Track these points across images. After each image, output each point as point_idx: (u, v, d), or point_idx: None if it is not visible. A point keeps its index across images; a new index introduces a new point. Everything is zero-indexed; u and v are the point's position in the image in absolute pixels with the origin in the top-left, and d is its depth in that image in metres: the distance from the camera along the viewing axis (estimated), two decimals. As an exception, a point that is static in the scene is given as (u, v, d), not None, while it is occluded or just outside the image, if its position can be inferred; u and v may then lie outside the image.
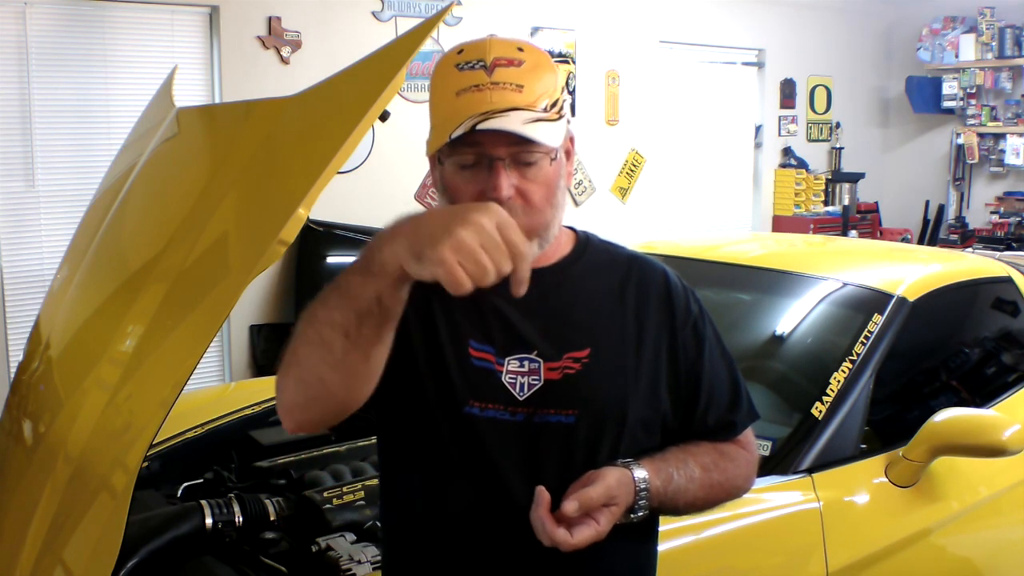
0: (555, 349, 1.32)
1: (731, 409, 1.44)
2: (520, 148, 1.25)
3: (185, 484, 2.35)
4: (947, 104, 7.59)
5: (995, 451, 2.17)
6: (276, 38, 4.86)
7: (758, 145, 7.34)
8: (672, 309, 1.40)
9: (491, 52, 1.27)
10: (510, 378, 1.31)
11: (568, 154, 1.36)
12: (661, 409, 1.38)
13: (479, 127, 1.21)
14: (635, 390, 1.35)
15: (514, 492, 1.30)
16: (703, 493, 1.37)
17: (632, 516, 1.29)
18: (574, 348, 1.33)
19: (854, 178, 7.48)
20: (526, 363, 1.31)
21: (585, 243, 1.43)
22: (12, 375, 2.26)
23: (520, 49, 1.29)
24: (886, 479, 2.23)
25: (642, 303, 1.38)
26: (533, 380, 1.31)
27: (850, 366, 2.34)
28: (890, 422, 2.51)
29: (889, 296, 2.54)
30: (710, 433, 1.43)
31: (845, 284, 2.69)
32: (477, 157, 1.26)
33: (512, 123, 1.22)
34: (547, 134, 1.25)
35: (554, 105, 1.28)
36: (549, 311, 1.35)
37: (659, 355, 1.38)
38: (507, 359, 1.31)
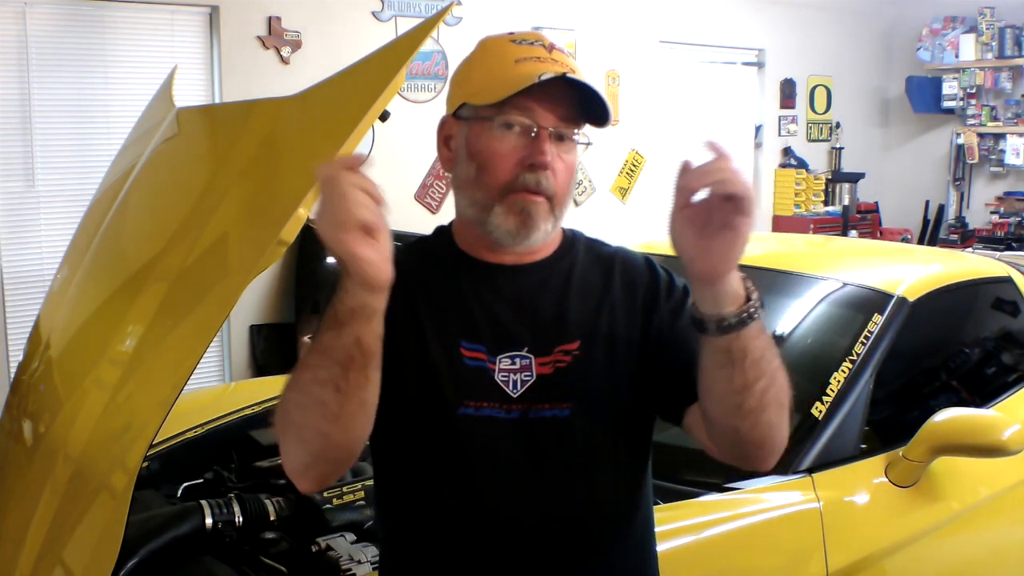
0: (545, 343, 1.32)
1: None
2: (566, 124, 1.32)
3: (185, 484, 2.35)
4: (947, 104, 7.59)
5: (995, 451, 2.17)
6: (276, 38, 4.86)
7: (758, 145, 7.34)
8: (656, 287, 1.40)
9: (547, 39, 1.36)
10: (503, 376, 1.31)
11: None
12: (655, 391, 1.36)
13: (568, 76, 1.29)
14: (628, 378, 1.35)
15: (512, 489, 1.30)
16: (774, 367, 1.24)
17: (753, 307, 1.15)
18: (564, 341, 1.33)
19: (854, 178, 7.48)
20: (517, 360, 1.31)
21: (572, 240, 1.44)
22: (12, 375, 2.26)
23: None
24: (886, 479, 2.22)
25: (628, 291, 1.39)
26: (525, 376, 1.31)
27: (850, 366, 2.34)
28: (890, 422, 2.50)
29: (889, 296, 2.54)
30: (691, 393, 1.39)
31: (845, 284, 2.69)
32: (525, 123, 1.29)
33: (585, 84, 1.30)
34: (602, 109, 1.33)
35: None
36: (538, 306, 1.35)
37: (647, 335, 1.37)
38: (499, 357, 1.31)
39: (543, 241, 1.34)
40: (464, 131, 1.33)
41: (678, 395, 1.34)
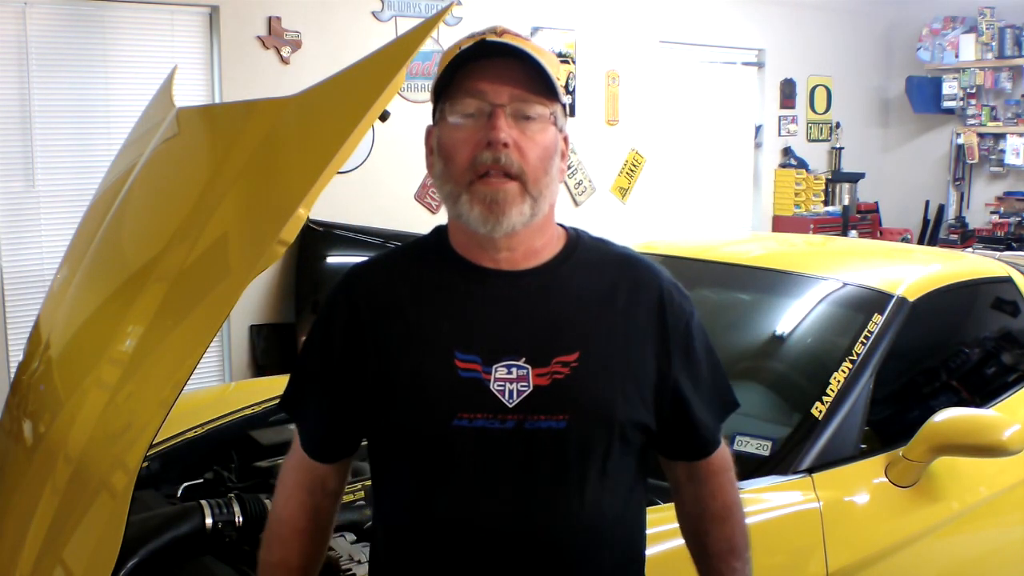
0: (543, 354, 1.30)
1: (711, 429, 1.43)
2: (522, 98, 1.29)
3: (185, 484, 2.35)
4: (947, 104, 7.59)
5: (995, 451, 2.17)
6: (276, 38, 4.86)
7: (758, 145, 7.34)
8: (664, 322, 1.37)
9: (502, 27, 1.35)
10: (498, 385, 1.28)
11: (563, 153, 1.36)
12: (649, 412, 1.36)
13: (489, 39, 1.29)
14: (624, 392, 1.33)
15: (503, 499, 1.29)
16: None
17: None
18: (563, 352, 1.30)
19: (854, 178, 7.48)
20: (514, 369, 1.28)
21: (576, 241, 1.41)
22: (12, 375, 2.26)
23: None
24: (886, 479, 2.22)
25: (633, 306, 1.36)
26: (522, 386, 1.28)
27: (850, 366, 2.34)
28: (890, 422, 2.50)
29: (889, 296, 2.54)
30: (687, 451, 1.44)
31: (845, 284, 2.69)
32: (478, 107, 1.29)
33: (521, 48, 1.29)
34: (550, 80, 1.30)
35: (558, 80, 1.32)
36: (537, 314, 1.32)
37: (647, 361, 1.36)
38: (494, 367, 1.29)
39: (524, 224, 1.30)
40: (436, 133, 1.34)
41: (673, 445, 1.41)
